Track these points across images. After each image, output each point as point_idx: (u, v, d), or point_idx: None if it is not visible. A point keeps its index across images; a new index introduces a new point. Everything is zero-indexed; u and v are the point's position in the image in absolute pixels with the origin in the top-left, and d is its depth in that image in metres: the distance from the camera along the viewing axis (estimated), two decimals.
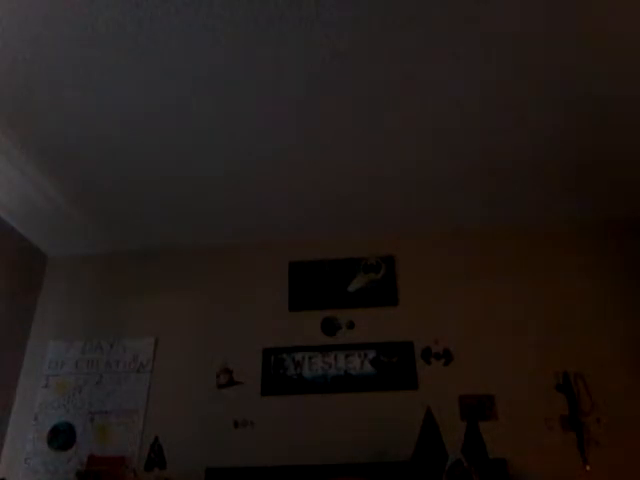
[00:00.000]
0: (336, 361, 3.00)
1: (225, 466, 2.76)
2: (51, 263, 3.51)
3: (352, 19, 1.90)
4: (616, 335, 2.92)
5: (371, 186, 2.90)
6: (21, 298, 3.23)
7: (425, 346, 3.01)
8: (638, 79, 2.21)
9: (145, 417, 2.96)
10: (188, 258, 3.43)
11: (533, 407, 2.78)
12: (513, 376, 2.87)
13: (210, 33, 1.94)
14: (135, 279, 3.40)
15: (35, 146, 2.51)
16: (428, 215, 3.19)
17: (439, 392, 2.85)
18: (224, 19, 1.89)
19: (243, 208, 3.08)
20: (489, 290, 3.12)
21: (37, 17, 1.87)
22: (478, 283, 3.15)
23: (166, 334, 3.19)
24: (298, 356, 3.04)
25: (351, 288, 3.22)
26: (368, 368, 2.97)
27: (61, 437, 2.95)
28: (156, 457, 2.86)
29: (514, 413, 2.78)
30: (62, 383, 3.09)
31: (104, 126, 2.41)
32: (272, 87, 2.20)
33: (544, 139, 2.55)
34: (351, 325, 3.11)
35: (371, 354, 3.00)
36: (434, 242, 3.31)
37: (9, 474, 2.86)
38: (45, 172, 2.69)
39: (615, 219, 3.22)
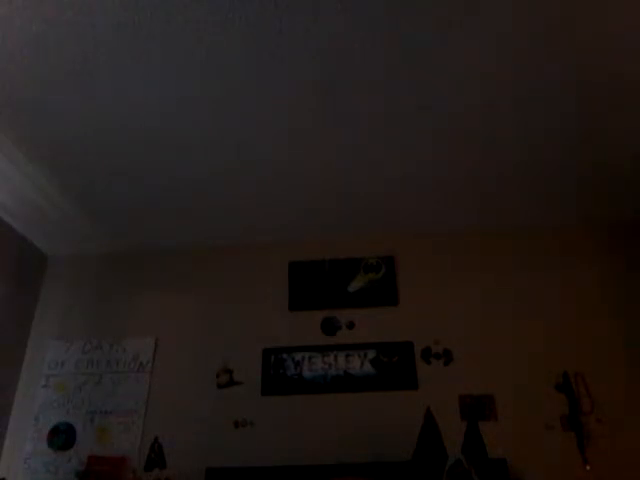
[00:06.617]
0: (336, 361, 3.00)
1: (225, 466, 2.77)
2: (51, 263, 3.51)
3: (352, 19, 1.90)
4: (616, 335, 2.92)
5: (371, 186, 2.90)
6: (21, 298, 3.23)
7: (425, 346, 3.01)
8: (638, 79, 2.21)
9: (145, 417, 2.96)
10: (188, 258, 3.43)
11: (533, 407, 2.78)
12: (513, 376, 2.87)
13: (210, 33, 1.94)
14: (135, 279, 3.40)
15: (35, 146, 2.51)
16: (428, 215, 3.19)
17: (439, 392, 2.85)
18: (224, 19, 1.89)
19: (243, 208, 3.08)
20: (489, 290, 3.12)
21: (37, 17, 1.87)
22: (478, 283, 3.15)
23: (166, 334, 3.19)
24: (298, 356, 3.04)
25: (351, 288, 3.22)
26: (368, 368, 2.97)
27: (61, 437, 2.95)
28: (156, 457, 2.86)
29: (514, 413, 2.78)
30: (62, 383, 3.09)
31: (104, 126, 2.41)
32: (272, 87, 2.20)
33: (544, 139, 2.55)
34: (351, 325, 3.11)
35: (371, 354, 3.00)
36: (434, 242, 3.31)
37: (9, 474, 2.86)
38: (45, 172, 2.70)
39: (615, 220, 3.22)
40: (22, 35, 1.94)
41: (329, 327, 3.13)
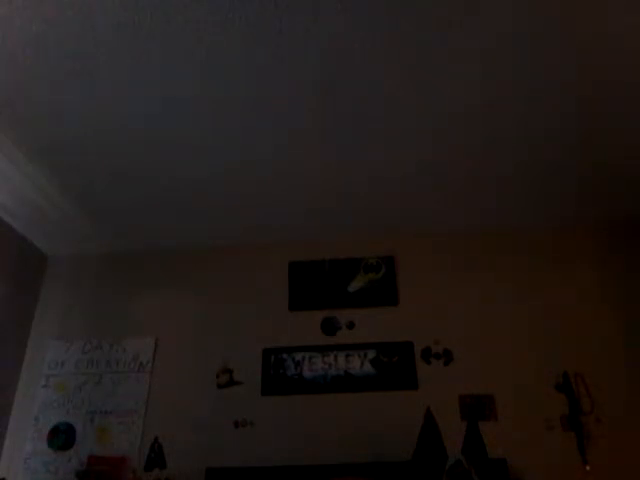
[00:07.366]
0: (336, 361, 3.00)
1: (225, 466, 2.77)
2: (51, 263, 3.51)
3: (352, 19, 1.90)
4: (616, 335, 2.92)
5: (371, 186, 2.90)
6: (21, 298, 3.23)
7: (425, 346, 3.01)
8: (638, 79, 2.21)
9: (145, 417, 2.96)
10: (188, 258, 3.43)
11: (533, 407, 2.78)
12: (513, 376, 2.87)
13: (210, 33, 1.94)
14: (135, 279, 3.40)
15: (35, 146, 2.51)
16: (428, 215, 3.19)
17: (439, 392, 2.85)
18: (224, 19, 1.89)
19: (243, 208, 3.08)
20: (489, 290, 3.12)
21: (37, 17, 1.87)
22: (478, 283, 3.15)
23: (166, 334, 3.19)
24: (298, 356, 3.04)
25: (351, 288, 3.22)
26: (368, 368, 2.97)
27: (61, 437, 2.95)
28: (156, 457, 2.86)
29: (514, 413, 2.78)
30: (62, 383, 3.09)
31: (104, 126, 2.41)
32: (272, 87, 2.20)
33: (544, 139, 2.55)
34: (351, 325, 3.11)
35: (371, 354, 3.00)
36: (434, 242, 3.31)
37: (9, 474, 2.86)
38: (45, 172, 2.70)
39: (615, 219, 3.22)
40: (22, 35, 1.94)
41: (329, 327, 3.13)
